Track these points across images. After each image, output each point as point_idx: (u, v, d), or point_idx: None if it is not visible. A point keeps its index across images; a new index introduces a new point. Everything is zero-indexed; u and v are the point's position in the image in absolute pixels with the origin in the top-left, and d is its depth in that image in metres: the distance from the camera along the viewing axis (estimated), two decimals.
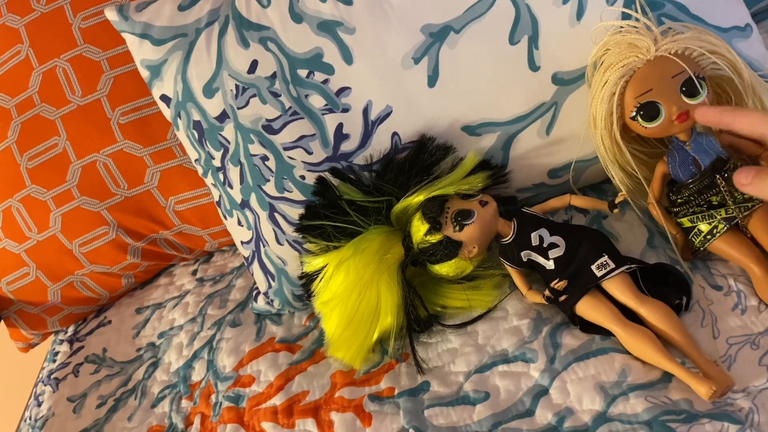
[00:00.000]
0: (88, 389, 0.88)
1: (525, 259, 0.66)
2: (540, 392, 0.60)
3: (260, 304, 0.83)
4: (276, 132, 0.73)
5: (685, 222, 0.63)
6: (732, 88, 0.63)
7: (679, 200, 0.63)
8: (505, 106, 0.70)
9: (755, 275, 0.59)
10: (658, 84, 0.59)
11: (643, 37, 0.61)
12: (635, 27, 0.62)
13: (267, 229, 0.77)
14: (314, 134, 0.72)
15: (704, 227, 0.62)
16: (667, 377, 0.56)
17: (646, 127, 0.61)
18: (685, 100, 0.59)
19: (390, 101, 0.70)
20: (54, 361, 0.98)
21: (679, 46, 0.59)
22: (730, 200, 0.60)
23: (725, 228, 0.61)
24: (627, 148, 0.64)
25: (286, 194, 0.74)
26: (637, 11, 0.64)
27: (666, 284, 0.62)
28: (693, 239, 0.63)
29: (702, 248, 0.63)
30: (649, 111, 0.60)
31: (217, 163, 0.78)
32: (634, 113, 0.61)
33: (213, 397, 0.76)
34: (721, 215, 0.61)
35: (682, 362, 0.56)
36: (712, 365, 0.55)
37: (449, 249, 0.66)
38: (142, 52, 0.77)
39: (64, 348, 0.99)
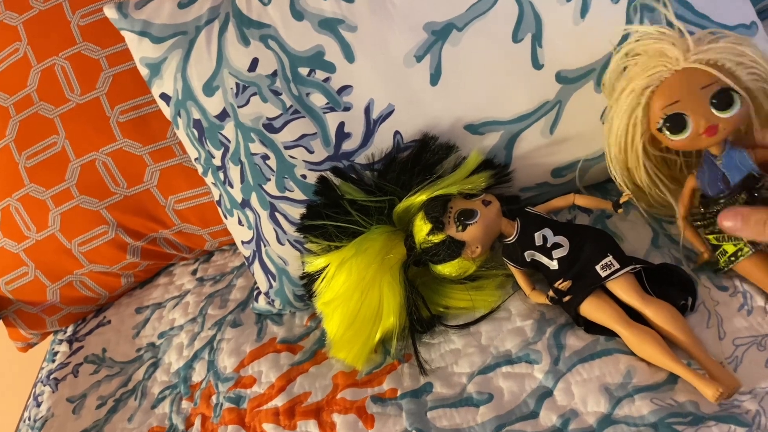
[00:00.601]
0: (87, 390, 0.88)
1: (528, 259, 0.66)
2: (544, 394, 0.59)
3: (261, 304, 0.83)
4: (277, 131, 0.72)
5: (711, 239, 0.62)
6: None
7: (707, 215, 0.61)
8: (508, 105, 0.69)
9: None
10: (686, 95, 0.56)
11: (673, 45, 0.58)
12: (663, 33, 0.59)
13: (268, 229, 0.76)
14: (315, 133, 0.72)
15: (730, 248, 0.60)
16: (673, 379, 0.56)
17: (672, 140, 0.58)
18: (715, 113, 0.56)
19: (392, 100, 0.70)
20: (53, 361, 0.97)
21: (711, 56, 0.56)
22: None
23: (750, 252, 0.59)
24: (646, 164, 0.62)
25: (287, 193, 0.74)
26: (665, 12, 0.61)
27: (671, 285, 0.62)
28: (719, 257, 0.61)
29: (726, 269, 0.61)
30: (676, 123, 0.57)
31: (217, 162, 0.78)
32: (660, 124, 0.58)
33: (214, 398, 0.76)
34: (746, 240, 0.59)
35: (688, 363, 0.56)
36: (719, 367, 0.54)
37: (452, 249, 0.66)
38: (141, 50, 0.76)
39: (64, 348, 0.99)
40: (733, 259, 0.60)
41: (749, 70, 0.57)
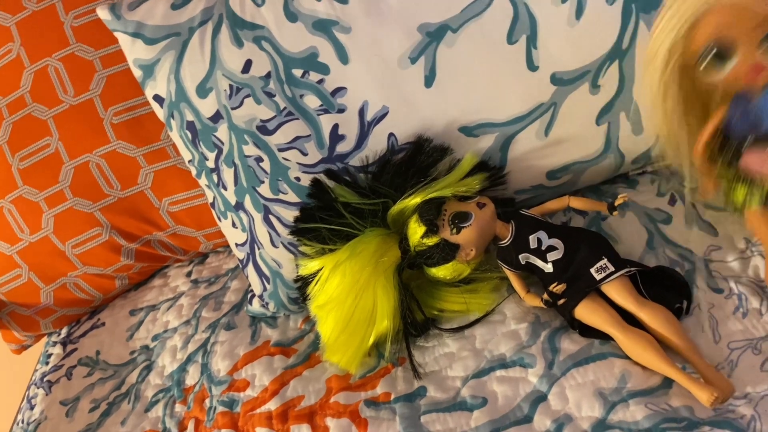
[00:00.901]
0: (81, 393, 0.87)
1: (523, 262, 0.65)
2: (538, 398, 0.59)
3: (255, 306, 0.82)
4: (270, 133, 0.72)
5: (726, 175, 0.57)
6: None
7: (726, 154, 0.56)
8: (503, 107, 0.69)
9: None
10: (737, 26, 0.52)
11: None
12: None
13: (262, 232, 0.76)
14: (309, 135, 0.71)
15: (740, 194, 0.57)
16: (668, 383, 0.56)
17: (710, 73, 0.54)
18: (763, 54, 0.52)
19: (386, 102, 0.69)
20: (47, 363, 0.97)
21: None
22: None
23: (758, 204, 0.56)
24: (676, 95, 0.57)
25: (280, 196, 0.73)
26: None
27: (666, 287, 0.62)
28: (732, 194, 0.58)
29: (734, 209, 0.58)
30: (718, 56, 0.53)
31: (211, 164, 0.77)
32: (703, 53, 0.53)
33: (207, 401, 0.75)
34: (762, 191, 0.55)
35: (683, 367, 0.55)
36: (713, 371, 0.54)
37: (446, 252, 0.65)
38: (134, 51, 0.76)
39: (57, 350, 0.98)
40: (737, 207, 0.57)
41: None
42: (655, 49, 0.56)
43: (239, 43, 0.72)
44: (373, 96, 0.70)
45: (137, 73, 0.77)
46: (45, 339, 1.05)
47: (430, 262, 0.67)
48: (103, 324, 0.99)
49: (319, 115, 0.71)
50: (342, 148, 0.71)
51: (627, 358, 0.58)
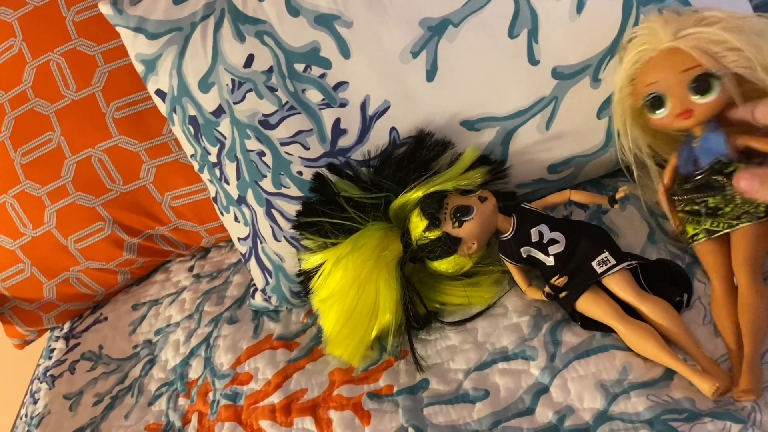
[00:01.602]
0: (84, 387, 0.88)
1: (525, 256, 0.66)
2: (540, 390, 0.59)
3: (258, 300, 0.82)
4: (273, 127, 0.72)
5: (680, 215, 0.63)
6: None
7: (681, 192, 0.62)
8: (504, 101, 0.69)
9: (714, 291, 0.59)
10: (666, 76, 0.57)
11: (663, 25, 0.58)
12: (663, 14, 0.59)
13: (264, 226, 0.76)
14: (311, 129, 0.71)
15: (690, 230, 0.61)
16: (669, 375, 0.56)
17: (651, 117, 0.60)
18: (692, 97, 0.56)
19: (388, 96, 0.70)
20: (50, 358, 0.97)
21: (698, 39, 0.56)
22: (727, 207, 0.58)
23: (704, 239, 0.60)
24: (642, 133, 0.64)
25: (283, 190, 0.73)
26: None
27: (667, 281, 0.62)
28: (685, 233, 0.63)
29: (689, 246, 0.62)
30: (655, 102, 0.58)
31: (213, 158, 0.77)
32: (643, 101, 0.59)
33: (210, 395, 0.76)
34: (706, 225, 0.60)
35: (684, 359, 0.56)
36: (713, 363, 0.54)
37: (448, 245, 0.66)
38: (136, 46, 0.76)
39: (60, 345, 0.98)
40: (690, 241, 0.61)
41: (737, 57, 0.56)
42: (613, 91, 0.63)
43: (241, 38, 0.72)
44: (375, 90, 0.70)
45: (139, 68, 0.77)
46: (48, 334, 1.06)
47: (432, 255, 0.67)
48: (106, 318, 0.99)
49: (321, 109, 0.71)
50: (344, 142, 0.71)
51: (628, 350, 0.58)
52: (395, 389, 0.66)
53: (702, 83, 0.56)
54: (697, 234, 0.61)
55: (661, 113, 0.58)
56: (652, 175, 0.66)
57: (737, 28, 0.56)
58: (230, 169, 0.76)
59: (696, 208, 0.60)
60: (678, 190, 0.62)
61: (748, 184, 0.52)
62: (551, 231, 0.65)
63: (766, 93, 0.57)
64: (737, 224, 0.58)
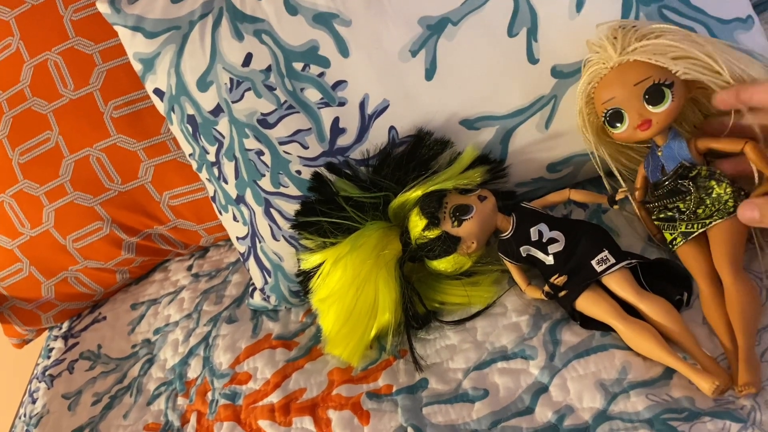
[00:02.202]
0: (83, 386, 0.88)
1: (524, 255, 0.66)
2: (540, 390, 0.59)
3: (256, 300, 0.82)
4: (271, 126, 0.72)
5: (657, 223, 0.64)
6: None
7: (653, 200, 0.63)
8: (503, 100, 0.69)
9: (702, 292, 0.59)
10: (620, 91, 0.59)
11: (610, 44, 0.60)
12: (612, 32, 0.61)
13: (263, 225, 0.76)
14: (310, 128, 0.71)
15: (668, 236, 0.62)
16: (668, 374, 0.56)
17: (613, 133, 0.61)
18: (648, 108, 0.58)
19: (387, 95, 0.69)
20: (48, 357, 0.97)
21: (642, 56, 0.58)
22: (697, 209, 0.59)
23: (682, 242, 0.61)
24: (610, 149, 0.66)
25: (281, 189, 0.73)
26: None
27: (666, 280, 0.62)
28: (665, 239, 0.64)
29: (672, 250, 0.63)
30: (614, 118, 0.60)
31: (211, 157, 0.77)
32: (603, 118, 0.61)
33: (209, 394, 0.76)
34: (681, 228, 0.61)
35: (684, 358, 0.55)
36: (713, 362, 0.54)
37: (447, 244, 0.65)
38: (134, 45, 0.76)
39: (59, 344, 0.98)
40: (671, 246, 0.62)
41: (689, 64, 0.57)
42: (577, 117, 0.65)
43: (239, 37, 0.72)
44: (374, 89, 0.70)
45: (137, 67, 0.77)
46: (46, 333, 1.05)
47: (432, 254, 0.67)
48: (105, 318, 0.99)
49: (319, 108, 0.71)
50: (343, 141, 0.71)
51: (628, 349, 0.58)
52: (394, 389, 0.65)
53: (655, 94, 0.58)
54: (675, 239, 0.61)
55: (621, 127, 0.60)
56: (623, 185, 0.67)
57: (685, 37, 0.58)
58: (229, 168, 0.76)
59: (669, 214, 0.62)
60: (651, 199, 0.64)
61: (750, 215, 0.53)
62: (551, 230, 0.65)
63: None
64: (710, 222, 0.59)
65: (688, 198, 0.60)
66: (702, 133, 0.61)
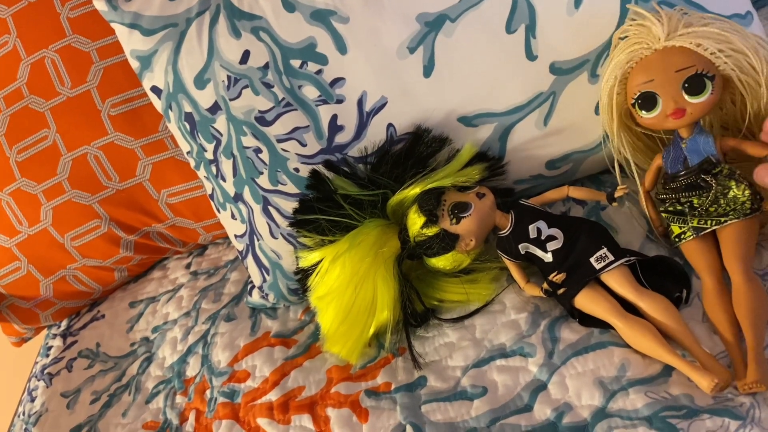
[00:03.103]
0: (81, 384, 0.88)
1: (523, 252, 0.65)
2: (538, 387, 0.59)
3: (255, 298, 0.82)
4: (269, 124, 0.72)
5: (664, 215, 0.63)
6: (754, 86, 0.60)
7: (665, 192, 0.63)
8: (502, 97, 0.69)
9: (705, 287, 0.59)
10: (660, 75, 0.58)
11: (657, 24, 0.58)
12: (656, 14, 0.60)
13: (261, 223, 0.76)
14: (308, 126, 0.71)
15: (676, 229, 0.62)
16: (667, 372, 0.56)
17: (642, 117, 0.60)
18: (686, 97, 0.57)
19: (385, 92, 0.69)
20: (47, 355, 0.97)
21: (692, 40, 0.57)
22: (711, 207, 0.59)
23: (692, 237, 0.60)
24: (627, 136, 0.64)
25: (279, 187, 0.73)
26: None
27: (666, 277, 0.62)
28: (670, 233, 0.63)
29: (675, 245, 0.63)
30: (647, 101, 0.59)
31: (209, 155, 0.77)
32: (633, 100, 0.60)
33: (208, 392, 0.75)
34: (693, 223, 0.60)
35: (683, 355, 0.55)
36: (712, 359, 0.54)
37: (446, 242, 0.65)
38: (131, 42, 0.76)
39: (57, 342, 0.98)
40: (676, 240, 0.62)
41: (730, 59, 0.57)
42: (602, 94, 0.64)
43: (237, 34, 0.71)
44: (372, 86, 0.69)
45: (134, 65, 0.77)
46: (45, 331, 1.05)
47: (430, 252, 0.66)
48: (103, 316, 0.99)
49: (317, 105, 0.71)
50: (341, 138, 0.71)
51: (627, 347, 0.58)
52: (393, 386, 0.65)
53: (696, 83, 0.57)
54: (684, 233, 0.61)
55: (652, 113, 0.59)
56: (635, 177, 0.67)
57: (731, 26, 0.57)
58: (227, 166, 0.76)
59: (680, 208, 0.61)
60: (661, 190, 0.63)
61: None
62: (549, 227, 0.65)
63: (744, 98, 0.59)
64: (725, 221, 0.59)
65: (705, 194, 0.59)
66: (726, 132, 0.61)
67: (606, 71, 0.63)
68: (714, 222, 0.59)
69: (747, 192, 0.58)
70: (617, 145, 0.66)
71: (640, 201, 0.66)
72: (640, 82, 0.59)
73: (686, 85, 0.57)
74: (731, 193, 0.58)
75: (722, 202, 0.59)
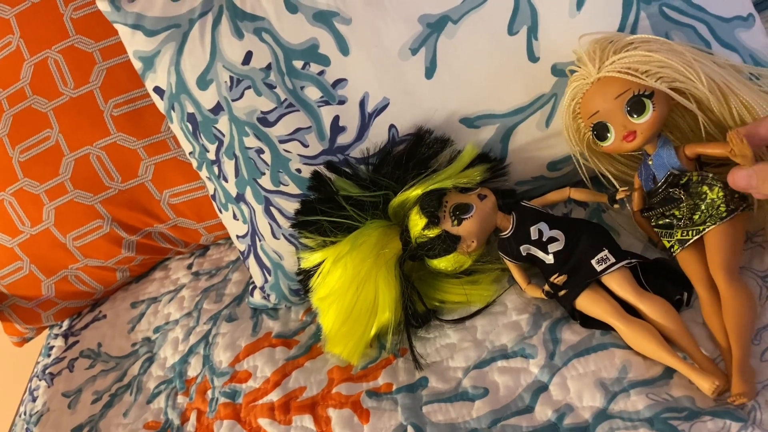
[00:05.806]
0: (83, 384, 0.88)
1: (524, 254, 0.65)
2: (540, 388, 0.59)
3: (256, 298, 0.82)
4: (271, 124, 0.72)
5: (657, 230, 0.64)
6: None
7: (649, 209, 0.63)
8: (503, 98, 0.69)
9: (702, 299, 0.59)
10: (603, 105, 0.59)
11: (588, 61, 0.60)
12: (592, 46, 0.61)
13: (263, 223, 0.76)
14: (310, 127, 0.71)
15: (666, 243, 0.62)
16: (669, 373, 0.56)
17: (601, 146, 0.62)
18: (631, 119, 0.59)
19: (387, 93, 0.69)
20: (49, 355, 0.97)
21: (620, 68, 0.58)
22: (692, 216, 0.59)
23: (680, 249, 0.61)
24: (603, 156, 0.66)
25: (281, 188, 0.73)
26: None
27: (667, 279, 0.62)
28: (664, 246, 0.63)
29: (671, 257, 0.63)
30: (601, 131, 0.61)
31: (211, 156, 0.77)
32: (590, 133, 0.62)
33: (209, 392, 0.76)
34: (677, 236, 0.61)
35: (683, 358, 0.55)
36: (711, 363, 0.54)
37: (447, 243, 0.65)
38: (134, 43, 0.76)
39: (59, 342, 0.98)
40: (671, 254, 0.62)
41: (661, 76, 0.58)
42: (567, 136, 0.66)
43: (239, 35, 0.72)
44: (374, 87, 0.69)
45: (137, 65, 0.77)
46: (46, 331, 1.06)
47: (432, 253, 0.67)
48: (105, 316, 0.99)
49: (319, 106, 0.71)
50: (343, 139, 0.71)
51: (628, 348, 0.58)
52: (394, 387, 0.65)
53: (636, 105, 0.58)
54: (672, 246, 0.61)
55: (609, 140, 0.61)
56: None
57: (663, 46, 0.59)
58: (229, 166, 0.76)
59: (667, 221, 0.61)
60: (648, 207, 0.63)
61: (746, 181, 0.53)
62: (551, 229, 0.65)
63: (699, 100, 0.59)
64: (704, 229, 0.59)
65: (681, 205, 0.59)
66: (689, 140, 0.61)
67: (563, 114, 0.65)
68: (694, 231, 0.59)
69: (721, 194, 0.58)
70: (597, 168, 0.67)
71: (635, 221, 0.66)
72: (588, 114, 0.61)
73: (628, 108, 0.58)
74: (708, 198, 0.58)
75: (703, 207, 0.59)
